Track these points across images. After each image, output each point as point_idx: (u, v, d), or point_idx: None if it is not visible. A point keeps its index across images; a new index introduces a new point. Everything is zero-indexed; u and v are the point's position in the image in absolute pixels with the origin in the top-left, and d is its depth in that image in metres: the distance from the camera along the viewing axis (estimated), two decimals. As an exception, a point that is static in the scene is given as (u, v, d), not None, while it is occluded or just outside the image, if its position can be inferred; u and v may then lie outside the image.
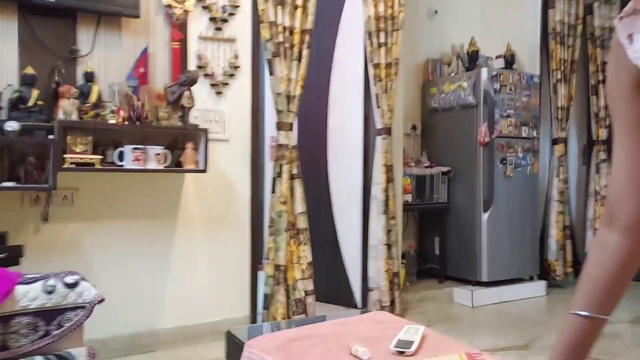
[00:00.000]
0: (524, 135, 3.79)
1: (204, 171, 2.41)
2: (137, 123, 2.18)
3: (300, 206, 2.82)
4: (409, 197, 3.73)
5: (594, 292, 0.72)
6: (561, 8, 3.87)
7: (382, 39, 3.21)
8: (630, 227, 0.70)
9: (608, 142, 4.21)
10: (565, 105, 3.97)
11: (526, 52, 3.96)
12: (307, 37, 2.81)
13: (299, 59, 2.79)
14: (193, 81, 2.28)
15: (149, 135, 2.34)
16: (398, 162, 3.51)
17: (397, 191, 3.40)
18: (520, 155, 3.79)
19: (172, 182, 2.56)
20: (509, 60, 3.85)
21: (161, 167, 2.30)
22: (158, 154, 2.27)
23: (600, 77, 4.14)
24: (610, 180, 0.75)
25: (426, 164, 3.91)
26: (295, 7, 2.76)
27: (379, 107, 3.20)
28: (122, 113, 2.22)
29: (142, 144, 2.26)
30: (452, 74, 3.92)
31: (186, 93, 2.29)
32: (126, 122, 2.21)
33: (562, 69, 3.92)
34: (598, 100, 4.16)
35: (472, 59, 3.83)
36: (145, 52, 2.38)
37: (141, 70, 2.33)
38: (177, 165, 2.41)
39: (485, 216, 3.66)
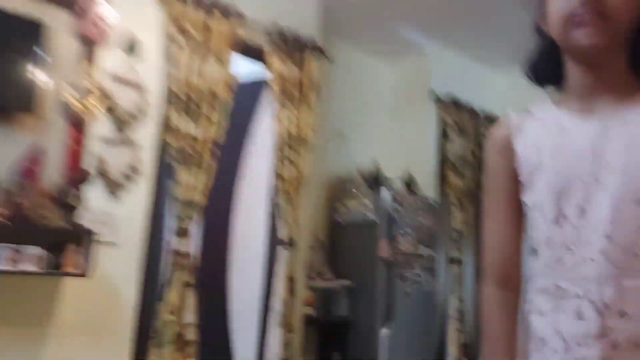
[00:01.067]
0: (421, 253, 3.97)
1: (84, 275, 2.29)
2: (14, 221, 2.08)
3: (190, 317, 2.71)
4: (310, 310, 3.70)
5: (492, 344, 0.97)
6: (456, 142, 4.29)
7: (290, 156, 3.36)
8: (501, 280, 0.95)
9: (500, 265, 4.48)
10: (461, 228, 4.24)
11: (425, 176, 4.27)
12: (213, 147, 2.89)
13: (203, 167, 2.84)
14: (83, 181, 2.24)
15: (28, 235, 2.22)
16: (300, 274, 3.52)
17: (298, 304, 3.37)
18: (418, 273, 3.93)
19: (49, 286, 2.40)
20: (410, 184, 4.13)
21: (37, 269, 2.17)
22: (35, 255, 2.15)
23: (491, 204, 4.49)
24: (484, 247, 0.98)
25: (329, 278, 3.94)
26: (203, 116, 2.86)
27: (283, 220, 3.26)
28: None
29: (20, 243, 2.14)
30: (357, 192, 4.12)
31: (75, 193, 2.24)
32: (1, 219, 2.10)
33: (457, 195, 4.24)
34: (490, 225, 4.48)
35: (375, 180, 4.07)
36: (37, 149, 2.34)
37: (31, 167, 2.27)
38: (56, 267, 2.28)
39: (384, 331, 3.68)
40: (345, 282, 3.89)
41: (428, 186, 4.27)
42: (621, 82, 0.85)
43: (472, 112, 4.46)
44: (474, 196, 4.45)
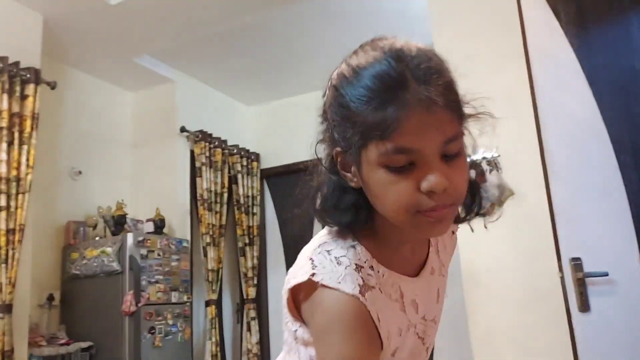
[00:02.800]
0: (174, 300, 3.68)
1: None
2: None
3: None
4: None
5: None
6: (207, 177, 4.13)
7: (2, 203, 2.77)
8: None
9: (257, 300, 4.45)
10: (216, 267, 4.08)
11: (177, 216, 4.02)
12: None
13: None
14: None
15: None
16: (21, 343, 2.89)
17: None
18: (171, 322, 3.62)
19: None
20: (159, 225, 3.82)
21: None
22: None
23: (247, 240, 4.46)
24: None
25: (63, 341, 3.35)
26: None
27: (-8, 282, 2.64)
28: None
29: None
30: (97, 238, 3.64)
31: None
32: None
33: (211, 233, 4.08)
34: (246, 262, 4.44)
35: (119, 223, 3.65)
36: None
37: None
38: None
39: (132, 397, 3.26)
40: (84, 344, 3.36)
41: (180, 226, 4.02)
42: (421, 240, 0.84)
43: (224, 145, 4.39)
44: (228, 231, 4.36)
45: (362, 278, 0.72)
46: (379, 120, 0.64)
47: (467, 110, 0.70)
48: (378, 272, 0.76)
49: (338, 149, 0.73)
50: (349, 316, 0.68)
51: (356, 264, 0.73)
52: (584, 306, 1.97)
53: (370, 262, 0.75)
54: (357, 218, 0.75)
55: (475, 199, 0.79)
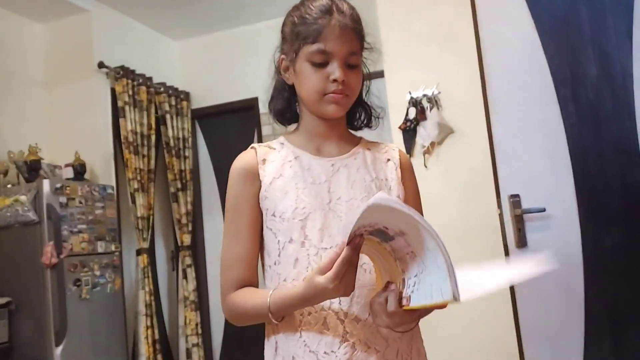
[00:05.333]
0: (100, 250, 3.46)
1: None
2: None
3: None
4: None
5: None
6: (132, 118, 3.83)
7: None
8: (234, 286, 1.01)
9: (192, 248, 4.30)
10: (146, 214, 3.86)
11: (99, 161, 3.72)
12: None
13: None
14: None
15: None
16: None
17: None
18: (98, 273, 3.42)
19: None
20: (79, 170, 3.53)
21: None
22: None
23: (179, 185, 4.24)
24: (223, 266, 1.04)
25: (-23, 298, 3.09)
26: None
27: None
28: None
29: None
30: (9, 186, 3.31)
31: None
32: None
33: (139, 178, 3.83)
34: (179, 208, 4.24)
35: (33, 169, 3.34)
36: None
37: None
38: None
39: (58, 350, 3.09)
40: (2, 300, 3.11)
41: (104, 171, 3.74)
42: (343, 134, 1.11)
43: (149, 83, 4.06)
44: (158, 176, 4.12)
45: (268, 146, 1.08)
46: (312, 31, 1.00)
47: (366, 40, 1.07)
48: (284, 145, 1.08)
49: (282, 56, 1.07)
50: (239, 157, 1.07)
51: (273, 146, 1.09)
52: (521, 242, 1.98)
53: (283, 142, 1.09)
54: (287, 107, 1.11)
55: (365, 111, 1.14)
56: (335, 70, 0.99)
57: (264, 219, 1.02)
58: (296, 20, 1.03)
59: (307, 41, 1.00)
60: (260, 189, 1.03)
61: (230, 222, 1.04)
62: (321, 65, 0.99)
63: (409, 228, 0.79)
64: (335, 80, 0.99)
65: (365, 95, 1.13)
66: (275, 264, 1.00)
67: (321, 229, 0.98)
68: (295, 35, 1.02)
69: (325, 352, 0.93)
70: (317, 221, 0.98)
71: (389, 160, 1.10)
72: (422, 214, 1.06)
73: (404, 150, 1.20)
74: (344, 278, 0.83)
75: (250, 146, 1.08)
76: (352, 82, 1.01)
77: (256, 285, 1.02)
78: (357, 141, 1.13)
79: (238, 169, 1.05)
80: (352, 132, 1.16)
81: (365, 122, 1.15)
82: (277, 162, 1.04)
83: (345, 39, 0.99)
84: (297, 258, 0.97)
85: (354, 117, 1.14)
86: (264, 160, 1.05)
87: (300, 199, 0.99)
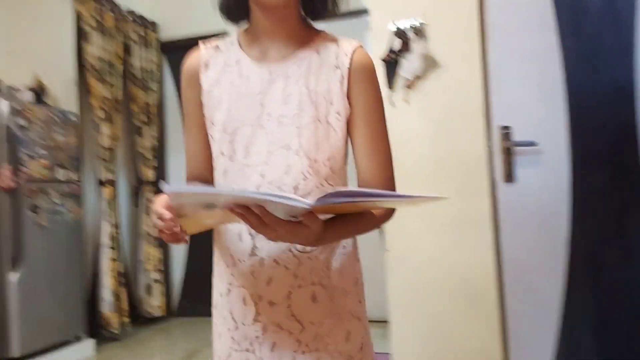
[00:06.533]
0: (60, 178, 3.35)
1: None
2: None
3: None
4: None
5: None
6: (98, 43, 3.64)
7: None
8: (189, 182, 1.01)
9: (156, 183, 4.22)
10: (111, 145, 3.74)
11: (61, 86, 3.55)
12: None
13: None
14: None
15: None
16: None
17: None
18: (57, 201, 3.31)
19: None
20: (39, 92, 3.36)
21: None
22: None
23: (144, 119, 4.11)
24: (186, 161, 1.04)
25: None
26: None
27: None
28: None
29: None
30: (-37, 104, 3.12)
31: None
32: None
33: (105, 107, 3.68)
34: (143, 141, 4.12)
35: (-10, 88, 3.15)
36: None
37: None
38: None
39: (15, 277, 3.01)
40: (-46, 223, 2.99)
41: (66, 97, 3.57)
42: (295, 29, 0.97)
43: (116, 9, 3.86)
44: (123, 107, 3.98)
45: (215, 47, 1.00)
46: None
47: None
48: (232, 45, 1.00)
49: None
50: (187, 57, 1.01)
51: (220, 45, 1.01)
52: (510, 176, 1.95)
53: (234, 41, 1.00)
54: (235, 7, 0.98)
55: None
56: None
57: (207, 126, 0.98)
58: None
59: None
60: (201, 96, 0.98)
61: (184, 123, 1.03)
62: None
63: (232, 198, 0.75)
64: None
65: None
66: (214, 168, 0.98)
67: (247, 145, 0.92)
68: None
69: (239, 259, 0.93)
70: (244, 136, 0.92)
71: (337, 67, 0.95)
72: (383, 128, 0.96)
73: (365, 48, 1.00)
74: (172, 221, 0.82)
75: (200, 42, 1.01)
76: None
77: (209, 181, 1.00)
78: (313, 39, 0.98)
79: (183, 72, 1.01)
80: (314, 25, 1.01)
81: (322, 4, 0.97)
82: (218, 66, 0.97)
83: None
84: (226, 170, 0.94)
85: (307, 5, 0.98)
86: (207, 63, 0.98)
87: (231, 112, 0.94)
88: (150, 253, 4.11)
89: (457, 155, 2.24)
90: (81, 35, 3.59)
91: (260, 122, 0.92)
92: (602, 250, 1.95)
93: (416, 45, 2.25)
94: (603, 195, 1.94)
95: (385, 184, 0.95)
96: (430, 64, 2.32)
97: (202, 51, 1.00)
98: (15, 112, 3.06)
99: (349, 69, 0.94)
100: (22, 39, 3.56)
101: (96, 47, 3.63)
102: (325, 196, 0.71)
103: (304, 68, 0.94)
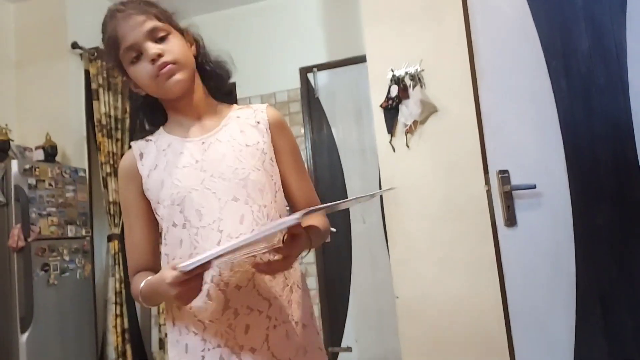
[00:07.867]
0: (70, 235, 3.33)
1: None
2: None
3: None
4: None
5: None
6: (106, 100, 3.71)
7: None
8: (133, 271, 1.09)
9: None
10: (117, 199, 3.74)
11: (72, 144, 3.59)
12: None
13: None
14: None
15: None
16: None
17: None
18: (67, 258, 3.29)
19: None
20: (50, 152, 3.39)
21: None
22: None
23: (154, 172, 4.13)
24: (128, 253, 1.11)
25: (-63, 282, 2.93)
26: None
27: None
28: None
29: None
30: (-26, 165, 3.16)
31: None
32: None
33: (112, 162, 3.71)
34: (153, 194, 4.12)
35: (2, 149, 3.20)
36: None
37: None
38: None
39: (24, 337, 2.95)
40: (-36, 285, 2.96)
41: (76, 154, 3.61)
42: (206, 109, 1.12)
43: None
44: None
45: (145, 139, 1.11)
46: (111, 41, 1.05)
47: (166, 15, 1.09)
48: (160, 134, 1.11)
49: (124, 78, 1.10)
50: (122, 159, 1.12)
51: (150, 137, 1.12)
52: (511, 220, 1.93)
53: (161, 132, 1.11)
54: (154, 112, 1.13)
55: (210, 74, 1.13)
56: (146, 52, 1.02)
57: (152, 208, 1.07)
58: (105, 44, 1.08)
59: (116, 52, 1.05)
60: (142, 185, 1.07)
61: (124, 218, 1.12)
62: (138, 58, 1.03)
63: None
64: (153, 60, 1.02)
65: (204, 60, 1.12)
66: (164, 245, 1.05)
67: (198, 209, 1.00)
68: (109, 55, 1.07)
69: (210, 321, 0.98)
70: (193, 202, 1.01)
71: (258, 123, 1.11)
72: (302, 169, 1.14)
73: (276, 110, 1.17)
74: (188, 284, 0.87)
75: (131, 143, 1.13)
76: (168, 49, 1.03)
77: (155, 269, 1.05)
78: (229, 110, 1.14)
79: (120, 171, 1.12)
80: (225, 103, 1.16)
81: (218, 83, 1.14)
82: (152, 153, 1.08)
83: (134, 24, 1.03)
84: (182, 239, 1.01)
85: (209, 87, 1.13)
86: (141, 154, 1.09)
87: (174, 185, 1.02)
88: (162, 307, 4.03)
89: (460, 198, 2.27)
90: (91, 93, 3.65)
91: (206, 185, 1.02)
92: (609, 286, 1.90)
93: (414, 92, 2.28)
94: (606, 231, 1.90)
95: (317, 202, 1.15)
96: (428, 109, 2.35)
97: (134, 146, 1.11)
98: (25, 171, 3.09)
99: (268, 121, 1.11)
100: (35, 100, 3.64)
101: (105, 104, 3.69)
102: (307, 212, 0.82)
103: (231, 131, 1.09)
